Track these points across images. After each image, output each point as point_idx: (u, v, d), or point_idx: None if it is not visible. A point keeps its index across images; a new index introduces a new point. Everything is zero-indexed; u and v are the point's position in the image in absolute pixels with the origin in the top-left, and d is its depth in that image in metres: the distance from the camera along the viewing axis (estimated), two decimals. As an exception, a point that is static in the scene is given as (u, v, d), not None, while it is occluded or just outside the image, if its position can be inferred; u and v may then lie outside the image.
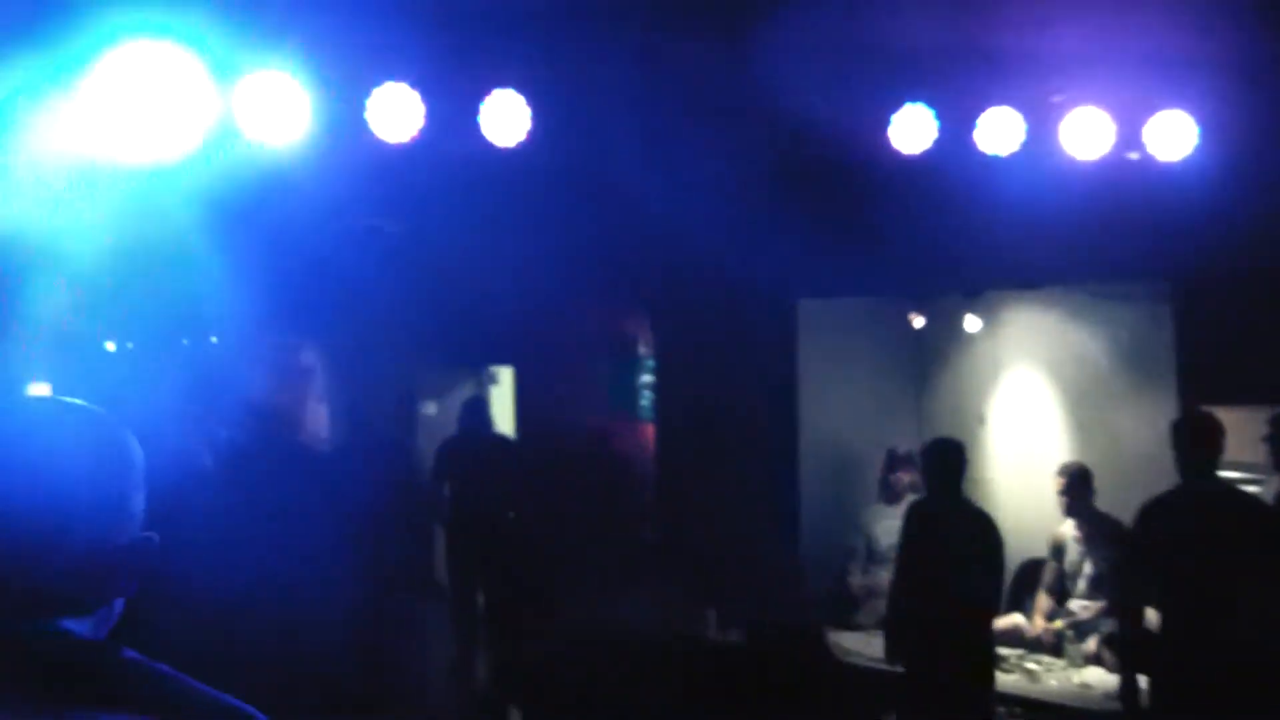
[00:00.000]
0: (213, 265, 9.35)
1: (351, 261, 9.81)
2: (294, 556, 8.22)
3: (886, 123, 7.56)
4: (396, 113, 6.73)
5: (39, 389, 14.96)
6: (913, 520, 7.70)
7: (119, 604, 1.94)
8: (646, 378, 11.94)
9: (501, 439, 11.25)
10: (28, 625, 1.80)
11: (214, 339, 13.37)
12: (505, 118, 6.99)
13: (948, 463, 7.56)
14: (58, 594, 1.84)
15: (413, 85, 6.75)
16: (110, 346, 13.75)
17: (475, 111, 6.94)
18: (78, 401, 1.97)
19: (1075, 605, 8.13)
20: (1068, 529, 8.31)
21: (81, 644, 1.83)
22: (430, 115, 6.82)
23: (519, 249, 9.60)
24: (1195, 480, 6.53)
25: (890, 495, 9.17)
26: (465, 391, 12.59)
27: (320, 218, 8.07)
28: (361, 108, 6.70)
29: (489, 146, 7.04)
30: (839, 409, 10.28)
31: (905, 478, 9.19)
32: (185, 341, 13.64)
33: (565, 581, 9.92)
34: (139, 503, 1.94)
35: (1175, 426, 6.73)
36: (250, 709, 1.86)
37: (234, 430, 11.78)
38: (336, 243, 9.26)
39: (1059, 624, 8.13)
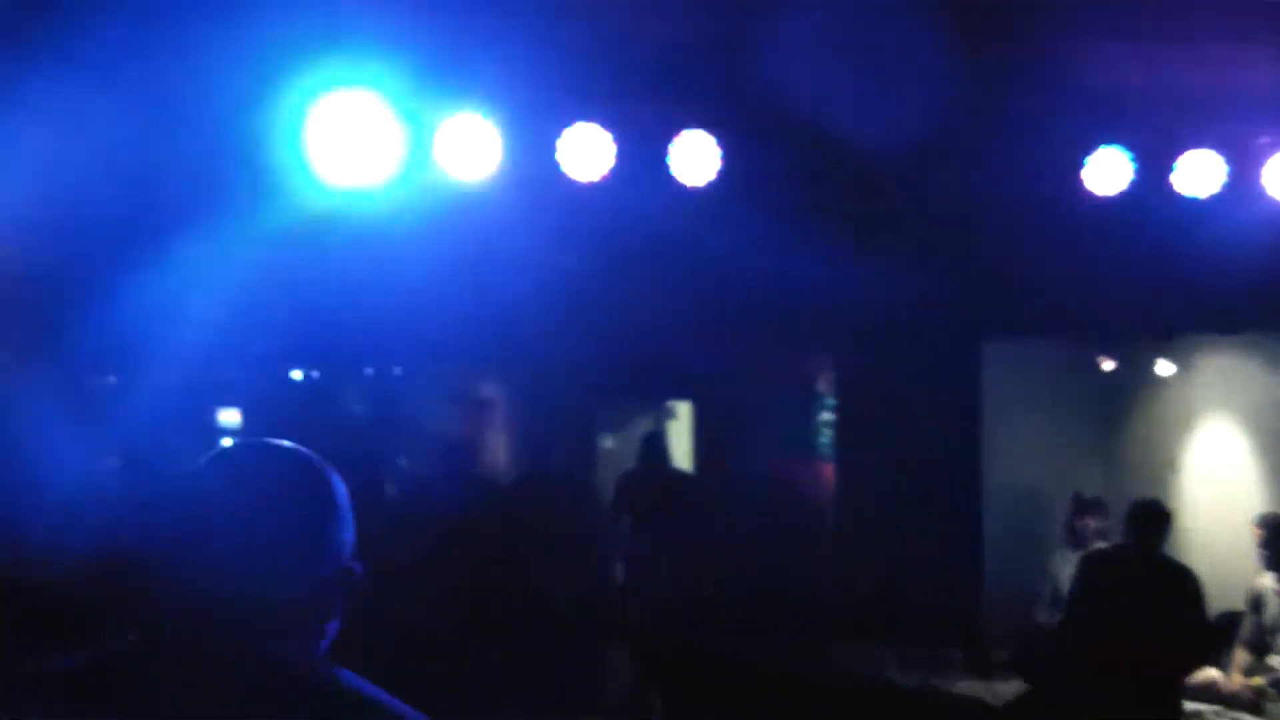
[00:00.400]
0: (400, 298, 9.49)
1: (537, 296, 9.87)
2: (473, 586, 8.30)
3: (1081, 164, 7.43)
4: (588, 152, 6.78)
5: (228, 415, 15.32)
6: (1099, 568, 7.54)
7: (331, 628, 2.10)
8: (826, 415, 11.84)
9: (680, 473, 11.24)
10: (247, 645, 1.97)
11: (397, 370, 13.57)
12: (695, 157, 7.00)
13: (1157, 522, 7.42)
14: (272, 619, 2.01)
15: (604, 125, 6.80)
16: (297, 375, 14.05)
17: (665, 151, 6.96)
18: (285, 443, 2.15)
19: (1276, 661, 7.87)
20: (1268, 581, 8.05)
21: (296, 662, 2.00)
22: (621, 154, 6.86)
23: (703, 286, 9.58)
24: None
25: (1076, 541, 8.98)
26: (644, 426, 12.61)
27: (510, 255, 8.14)
28: (553, 147, 6.77)
29: (678, 186, 7.06)
30: (1024, 451, 10.10)
31: (1092, 523, 9.00)
32: (369, 371, 13.87)
33: (744, 619, 9.85)
34: (346, 535, 2.11)
35: None
36: None
37: (415, 459, 11.97)
38: (523, 278, 9.32)
39: (1258, 680, 7.87)
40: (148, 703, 1.92)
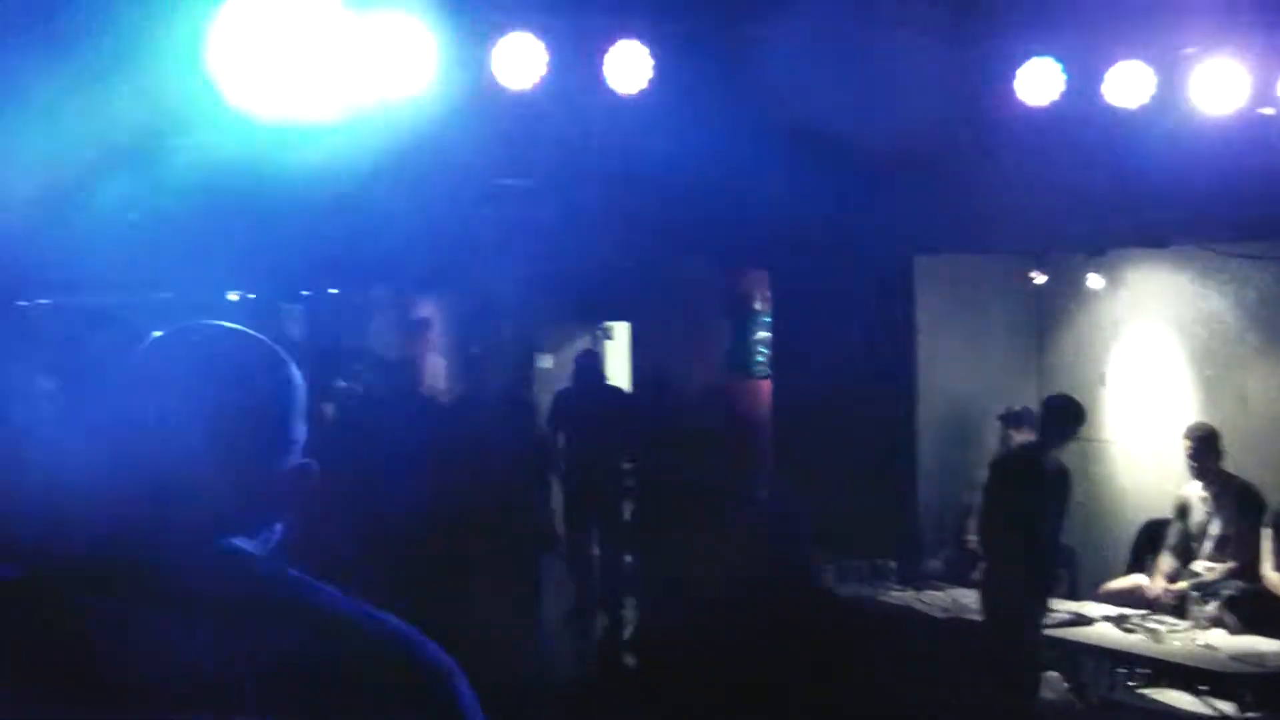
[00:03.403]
0: (334, 219, 9.46)
1: (473, 215, 9.86)
2: (414, 506, 8.32)
3: (1012, 76, 7.45)
4: (520, 61, 6.74)
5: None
6: (995, 471, 7.89)
7: (279, 529, 1.96)
8: (762, 334, 11.90)
9: (616, 391, 11.29)
10: (200, 542, 1.84)
11: (333, 291, 13.52)
12: (628, 66, 6.97)
13: (1064, 415, 7.69)
14: (226, 514, 1.87)
15: (537, 34, 6.75)
16: (233, 296, 13.98)
17: (599, 60, 6.92)
18: (241, 328, 1.96)
19: (1199, 566, 8.02)
20: (1194, 490, 8.18)
21: (252, 558, 1.87)
22: (553, 63, 6.82)
23: (636, 203, 9.59)
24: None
25: (1007, 453, 9.07)
26: (580, 345, 12.64)
27: (445, 172, 8.10)
28: (487, 58, 6.72)
29: (611, 95, 7.02)
30: (956, 365, 10.19)
31: (1020, 436, 9.09)
32: (305, 293, 13.82)
33: (679, 536, 9.93)
34: (301, 430, 1.94)
35: None
36: (414, 632, 1.86)
37: (352, 380, 11.95)
38: (460, 196, 9.29)
39: (1183, 585, 8.02)
40: (85, 609, 1.81)
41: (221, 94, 6.27)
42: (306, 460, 1.95)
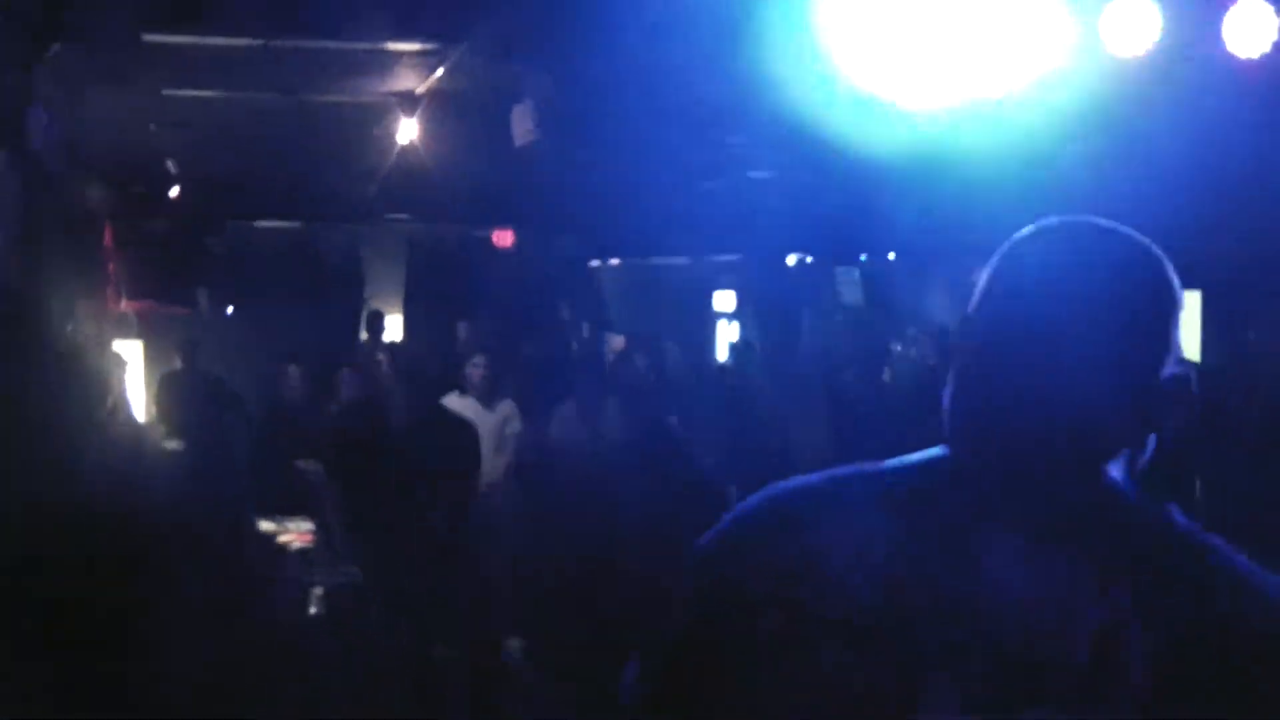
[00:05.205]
0: (901, 182, 9.44)
1: (1052, 185, 9.62)
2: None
3: None
4: (1133, 25, 6.52)
5: (724, 298, 15.56)
6: None
7: (1149, 449, 1.79)
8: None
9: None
10: (1086, 474, 1.71)
11: (890, 256, 13.53)
12: (1250, 28, 6.62)
13: None
14: (1110, 436, 1.74)
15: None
16: (790, 260, 14.22)
17: (1219, 21, 6.61)
18: (1111, 224, 1.82)
19: None
20: None
21: (1134, 504, 1.72)
22: (1168, 27, 6.55)
23: (1237, 170, 9.11)
24: None
25: None
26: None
27: (1030, 144, 7.92)
28: (1095, 22, 6.53)
29: (1231, 59, 6.69)
30: None
31: None
32: (862, 257, 13.89)
33: None
34: (1178, 334, 1.79)
35: None
36: None
37: (908, 346, 11.95)
38: (1052, 167, 9.08)
39: None
40: (960, 518, 1.70)
41: (838, 74, 6.40)
42: (1181, 368, 1.79)
